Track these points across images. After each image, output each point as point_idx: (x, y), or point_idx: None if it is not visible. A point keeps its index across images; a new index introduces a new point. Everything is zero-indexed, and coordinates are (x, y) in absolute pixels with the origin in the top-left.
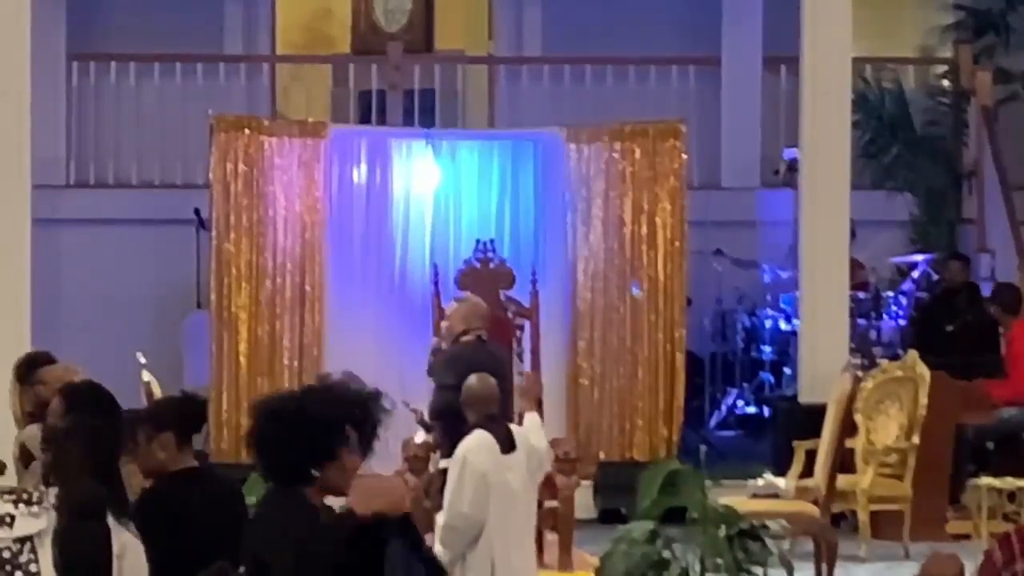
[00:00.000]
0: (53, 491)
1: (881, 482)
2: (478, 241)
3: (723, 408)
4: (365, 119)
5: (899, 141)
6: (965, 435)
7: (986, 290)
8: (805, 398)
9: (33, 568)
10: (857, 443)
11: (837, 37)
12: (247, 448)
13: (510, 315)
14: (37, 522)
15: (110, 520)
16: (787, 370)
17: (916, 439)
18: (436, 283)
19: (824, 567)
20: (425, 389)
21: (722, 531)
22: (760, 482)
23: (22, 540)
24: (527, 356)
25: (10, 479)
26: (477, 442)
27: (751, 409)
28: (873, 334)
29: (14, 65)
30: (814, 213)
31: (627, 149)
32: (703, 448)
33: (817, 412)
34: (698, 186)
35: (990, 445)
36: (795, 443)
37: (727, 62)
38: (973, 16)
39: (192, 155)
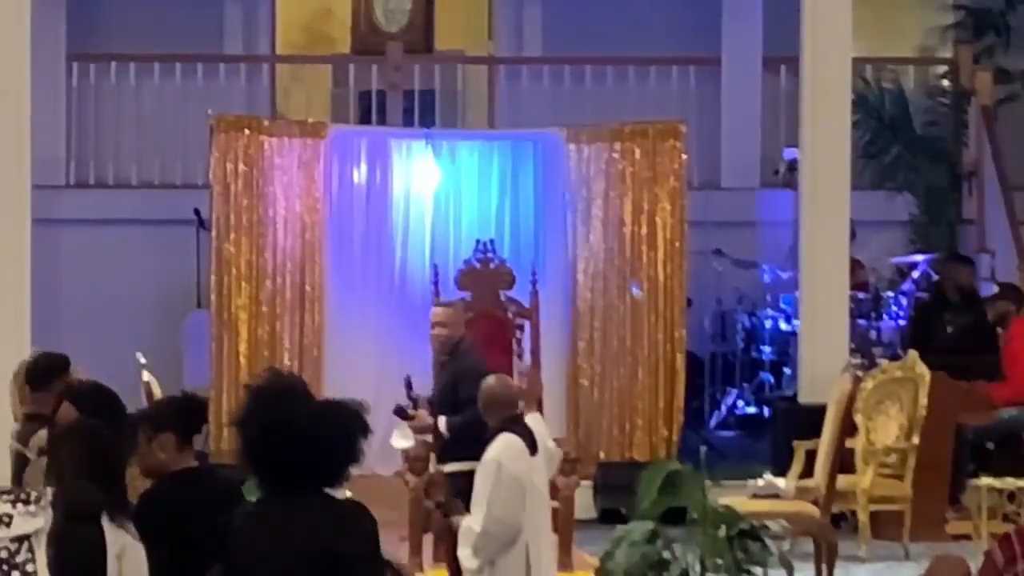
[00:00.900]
0: (52, 491)
1: (881, 482)
2: (478, 241)
3: (723, 408)
4: (365, 119)
5: (899, 141)
6: (965, 435)
7: (986, 290)
8: (805, 398)
9: (30, 568)
10: (857, 443)
11: (837, 37)
12: None
13: (510, 315)
14: (35, 521)
15: (110, 522)
16: (787, 370)
17: (916, 439)
18: (436, 283)
19: (824, 567)
20: (424, 390)
21: (722, 531)
22: (760, 482)
23: (19, 539)
24: (527, 356)
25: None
26: (510, 446)
27: (751, 409)
28: (873, 334)
29: (14, 65)
30: (814, 213)
31: (627, 149)
32: (703, 448)
33: (817, 412)
34: (698, 186)
35: (990, 445)
36: (795, 443)
37: (727, 62)
38: (973, 16)
39: (192, 155)
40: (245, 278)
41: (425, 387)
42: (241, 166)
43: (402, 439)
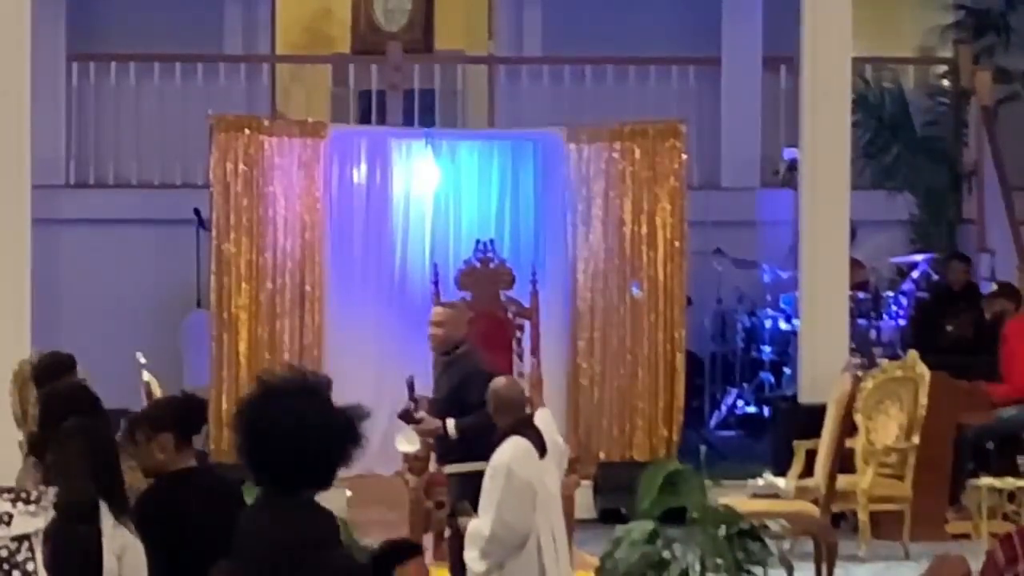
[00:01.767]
0: (53, 490)
1: (881, 482)
2: (478, 241)
3: (723, 408)
4: (365, 119)
5: (899, 141)
6: (965, 435)
7: (985, 289)
8: (805, 398)
9: (30, 567)
10: (857, 443)
11: (837, 37)
12: None
13: (510, 315)
14: (35, 521)
15: (110, 521)
16: (787, 370)
17: (916, 439)
18: (436, 283)
19: (824, 567)
20: (425, 389)
21: (722, 531)
22: (760, 482)
23: (19, 539)
24: (527, 356)
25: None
26: (518, 450)
27: (751, 409)
28: (873, 334)
29: (14, 65)
30: (814, 213)
31: (627, 149)
32: (703, 448)
33: (817, 412)
34: (698, 186)
35: (990, 445)
36: (795, 443)
37: (727, 62)
38: (973, 16)
39: (192, 155)
40: (245, 278)
41: (427, 388)
42: (241, 166)
43: (407, 443)
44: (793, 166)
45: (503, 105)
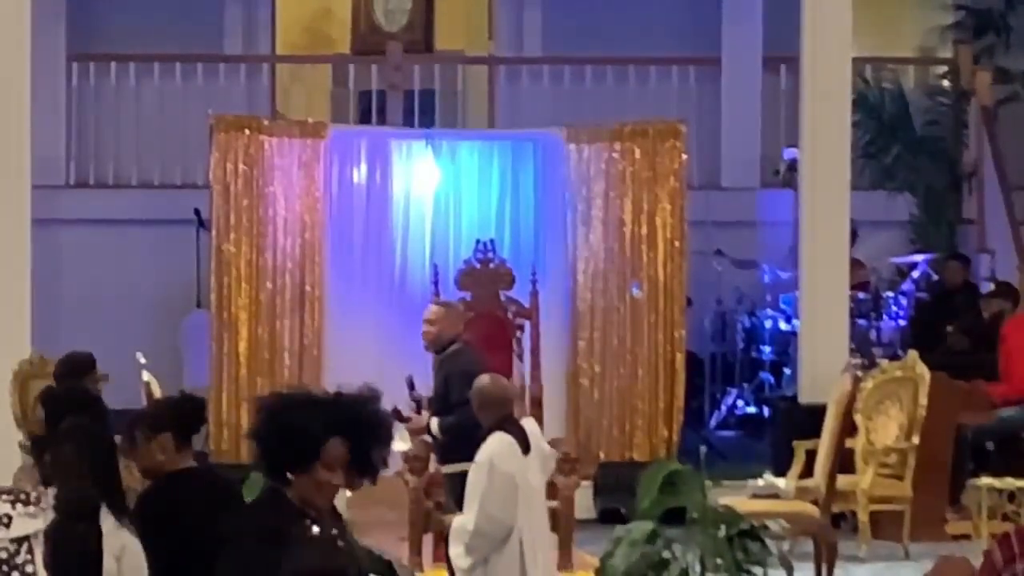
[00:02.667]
0: (52, 491)
1: (881, 482)
2: (478, 241)
3: (723, 408)
4: (365, 119)
5: (899, 141)
6: (965, 435)
7: (985, 289)
8: (805, 398)
9: (29, 568)
10: (857, 443)
11: (837, 37)
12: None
13: (510, 315)
14: (34, 522)
15: (110, 521)
16: (787, 370)
17: (916, 439)
18: (436, 283)
19: (824, 567)
20: (426, 390)
21: (722, 531)
22: (760, 482)
23: (19, 540)
24: (527, 356)
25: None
26: (502, 445)
27: (751, 409)
28: (873, 334)
29: (14, 65)
30: (814, 213)
31: (627, 149)
32: (703, 448)
33: (817, 412)
34: (698, 186)
35: (990, 445)
36: (795, 443)
37: (727, 62)
38: (973, 16)
39: (192, 155)
40: (245, 278)
41: (427, 387)
42: (241, 166)
43: (400, 441)
44: (793, 166)
45: (503, 105)
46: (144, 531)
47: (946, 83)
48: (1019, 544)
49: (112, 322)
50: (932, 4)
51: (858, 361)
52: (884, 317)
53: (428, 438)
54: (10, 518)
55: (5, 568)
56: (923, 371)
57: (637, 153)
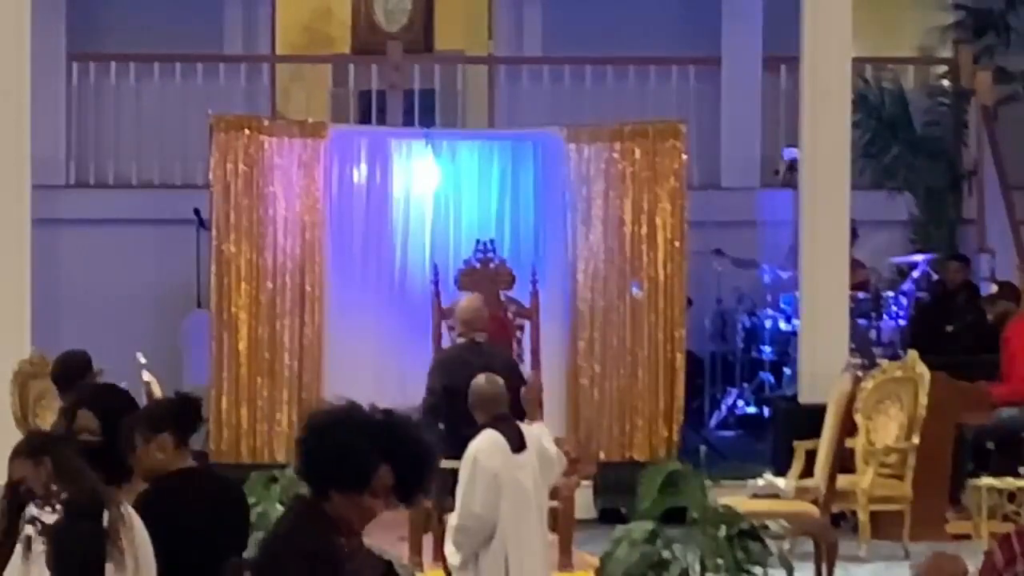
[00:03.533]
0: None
1: (881, 482)
2: (478, 241)
3: (723, 408)
4: (365, 119)
5: (899, 141)
6: (965, 435)
7: (985, 290)
8: (805, 398)
9: None
10: (857, 443)
11: (837, 37)
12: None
13: (510, 315)
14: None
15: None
16: (787, 370)
17: (916, 439)
18: (436, 283)
19: (824, 567)
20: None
21: (722, 531)
22: (760, 482)
23: None
24: (527, 356)
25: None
26: (487, 442)
27: (751, 409)
28: (873, 334)
29: (14, 65)
30: (814, 213)
31: (627, 149)
32: (703, 448)
33: (817, 412)
34: (698, 186)
35: (990, 445)
36: (795, 443)
37: (727, 62)
38: (973, 16)
39: (192, 155)
40: (245, 278)
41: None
42: (241, 166)
43: None
44: (793, 166)
45: (503, 105)
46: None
47: (946, 83)
48: (1020, 545)
49: (112, 322)
50: (932, 4)
51: (858, 361)
52: (884, 317)
53: None
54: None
55: None
56: (923, 371)
57: (637, 153)
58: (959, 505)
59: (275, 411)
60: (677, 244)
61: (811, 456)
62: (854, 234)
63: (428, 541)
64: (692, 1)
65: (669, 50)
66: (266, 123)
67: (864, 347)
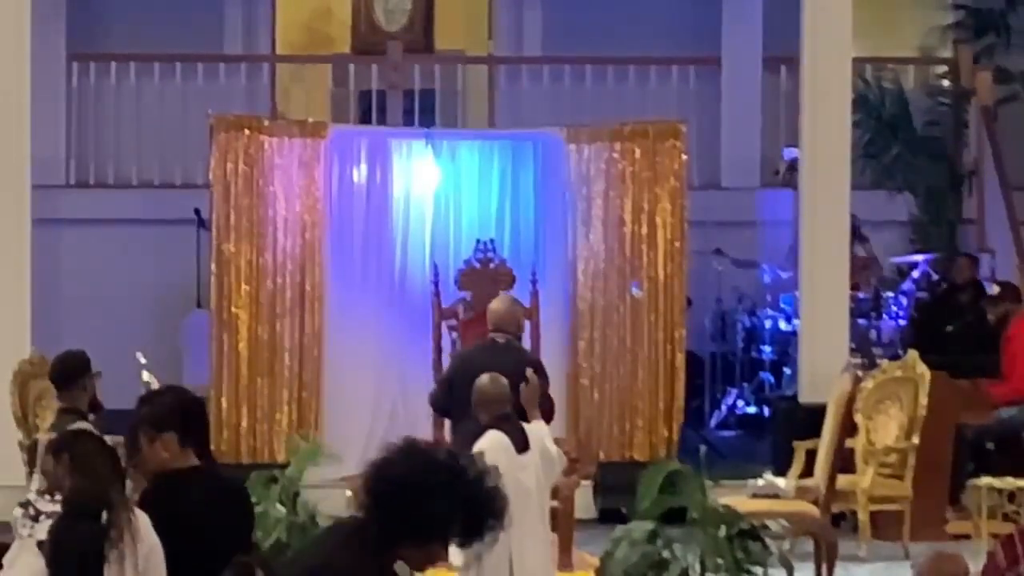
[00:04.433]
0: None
1: (881, 482)
2: (478, 241)
3: (723, 408)
4: (365, 119)
5: (899, 141)
6: (965, 435)
7: (988, 290)
8: (805, 398)
9: None
10: (857, 443)
11: (837, 37)
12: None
13: None
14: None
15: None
16: (787, 370)
17: (916, 439)
18: (436, 283)
19: (824, 567)
20: (425, 388)
21: (722, 531)
22: (760, 482)
23: None
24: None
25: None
26: (491, 443)
27: (751, 409)
28: (873, 334)
29: (14, 65)
30: (814, 213)
31: (627, 149)
32: (703, 448)
33: (817, 412)
34: (698, 186)
35: (990, 445)
36: (795, 443)
37: (727, 62)
38: (973, 16)
39: (192, 155)
40: (245, 278)
41: (426, 385)
42: (241, 166)
43: None
44: (793, 166)
45: (503, 105)
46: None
47: (946, 83)
48: (1022, 545)
49: (112, 322)
50: (932, 4)
51: (858, 361)
52: (884, 317)
53: None
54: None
55: None
56: (923, 371)
57: (637, 153)
58: (959, 505)
59: (275, 411)
60: (677, 244)
61: (811, 456)
62: (856, 231)
63: None
64: (692, 1)
65: (669, 50)
66: (266, 123)
67: (864, 347)
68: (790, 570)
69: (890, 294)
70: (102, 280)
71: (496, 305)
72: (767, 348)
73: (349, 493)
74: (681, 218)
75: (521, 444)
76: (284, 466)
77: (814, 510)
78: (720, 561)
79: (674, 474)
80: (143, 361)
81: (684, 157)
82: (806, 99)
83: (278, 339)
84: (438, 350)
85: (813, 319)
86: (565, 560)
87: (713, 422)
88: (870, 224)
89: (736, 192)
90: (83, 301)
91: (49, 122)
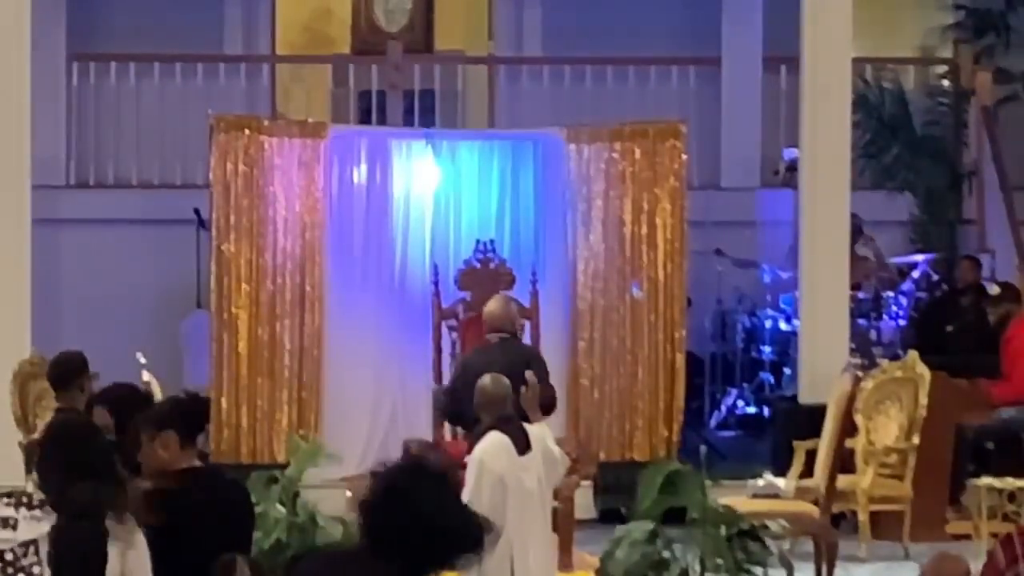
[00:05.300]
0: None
1: (881, 482)
2: (478, 241)
3: (723, 408)
4: (365, 119)
5: (899, 141)
6: (965, 435)
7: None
8: (805, 398)
9: (36, 570)
10: (857, 443)
11: (837, 37)
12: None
13: None
14: (40, 526)
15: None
16: (787, 370)
17: (916, 439)
18: (436, 283)
19: (824, 567)
20: (425, 389)
21: (722, 531)
22: (760, 482)
23: (27, 544)
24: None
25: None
26: (493, 444)
27: (751, 409)
28: (873, 334)
29: (14, 65)
30: (814, 213)
31: (627, 149)
32: (703, 448)
33: (817, 412)
34: (698, 186)
35: (990, 445)
36: (795, 443)
37: (727, 62)
38: (973, 16)
39: (192, 155)
40: (245, 278)
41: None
42: (241, 166)
43: None
44: (793, 166)
45: (503, 105)
46: (148, 529)
47: (946, 83)
48: (1022, 545)
49: (112, 322)
50: (932, 4)
51: (858, 361)
52: (884, 317)
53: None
54: (16, 520)
55: (11, 570)
56: (923, 371)
57: (637, 153)
58: (959, 505)
59: (275, 411)
60: (677, 244)
61: (811, 456)
62: (859, 231)
63: None
64: (692, 1)
65: (669, 50)
66: (266, 123)
67: (864, 347)
68: (790, 570)
69: (890, 294)
70: (102, 280)
71: (491, 306)
72: (767, 348)
73: (349, 493)
74: (681, 218)
75: (523, 445)
76: (284, 466)
77: (814, 510)
78: (720, 561)
79: (674, 474)
80: (143, 361)
81: (684, 157)
82: (806, 99)
83: (278, 339)
84: (438, 350)
85: (813, 319)
86: (565, 560)
87: (713, 422)
88: (870, 224)
89: (736, 192)
90: (83, 301)
91: (49, 122)
